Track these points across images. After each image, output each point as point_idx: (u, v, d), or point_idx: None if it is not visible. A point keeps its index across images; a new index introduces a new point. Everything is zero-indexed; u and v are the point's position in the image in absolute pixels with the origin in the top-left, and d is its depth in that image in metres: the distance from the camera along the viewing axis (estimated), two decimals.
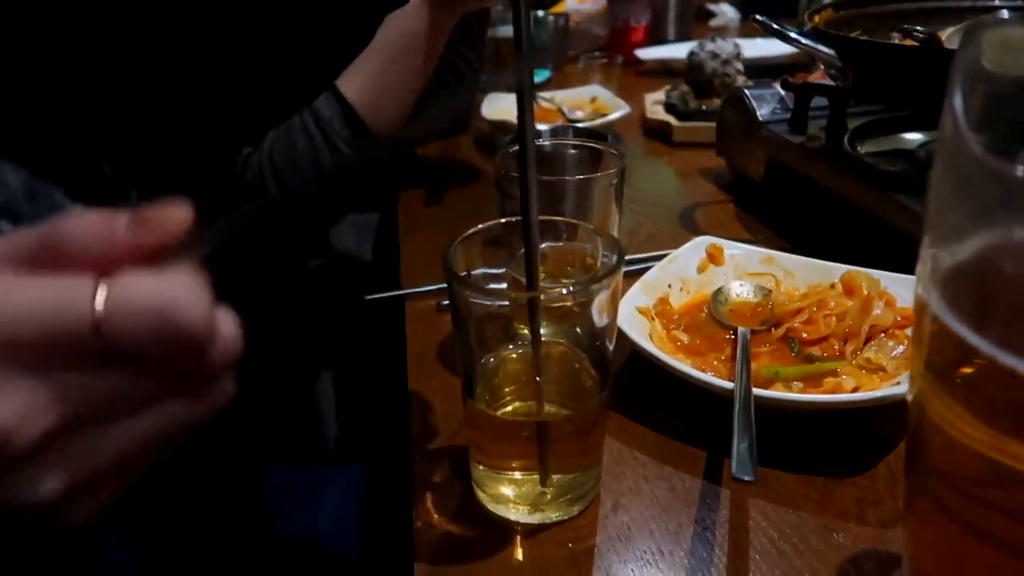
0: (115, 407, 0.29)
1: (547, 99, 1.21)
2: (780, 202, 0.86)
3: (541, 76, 1.44)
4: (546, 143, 0.60)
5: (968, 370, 0.31)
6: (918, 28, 0.65)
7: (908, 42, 0.79)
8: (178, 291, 0.28)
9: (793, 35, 0.72)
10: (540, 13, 1.47)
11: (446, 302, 0.69)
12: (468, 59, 1.07)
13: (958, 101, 0.27)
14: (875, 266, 0.61)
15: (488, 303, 0.42)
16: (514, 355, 0.46)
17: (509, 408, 0.46)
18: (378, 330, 0.93)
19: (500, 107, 1.15)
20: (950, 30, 0.84)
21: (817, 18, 0.82)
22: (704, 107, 1.14)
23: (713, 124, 0.98)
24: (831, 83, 0.80)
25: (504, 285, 0.50)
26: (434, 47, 0.84)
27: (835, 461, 0.49)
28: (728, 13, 1.93)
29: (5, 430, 0.26)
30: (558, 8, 1.74)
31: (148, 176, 1.01)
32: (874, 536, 0.44)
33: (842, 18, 0.86)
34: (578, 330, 0.44)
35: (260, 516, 0.75)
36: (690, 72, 1.18)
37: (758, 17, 0.74)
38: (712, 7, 1.96)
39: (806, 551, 0.43)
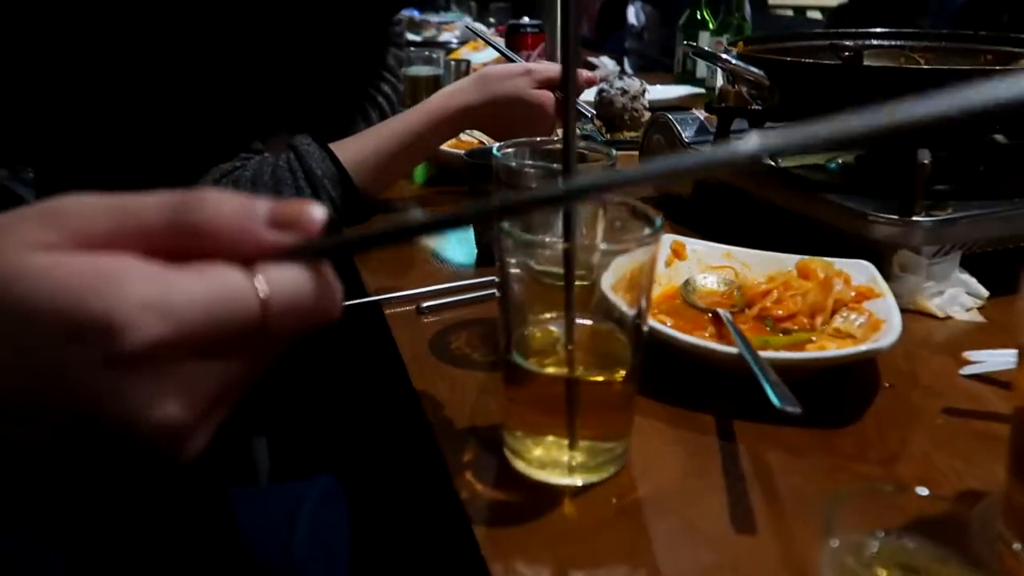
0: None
1: (467, 132, 1.25)
2: (707, 215, 0.93)
3: None
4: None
5: None
6: (847, 43, 0.74)
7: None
8: (326, 281, 0.30)
9: (726, 57, 0.80)
10: (442, 61, 1.52)
11: (428, 304, 0.71)
12: (388, 96, 1.13)
13: None
14: None
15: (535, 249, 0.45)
16: (551, 326, 0.48)
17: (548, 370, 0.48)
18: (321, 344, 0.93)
19: None
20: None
21: (735, 49, 0.92)
22: (613, 138, 1.22)
23: (626, 153, 1.05)
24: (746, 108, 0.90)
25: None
26: (432, 149, 0.96)
27: (825, 416, 0.54)
28: (609, 66, 2.07)
29: (176, 422, 0.28)
30: (455, 55, 1.82)
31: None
32: (870, 473, 0.49)
33: (751, 51, 0.96)
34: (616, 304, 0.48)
35: (229, 548, 0.71)
36: (600, 108, 1.26)
37: (692, 44, 0.82)
38: (594, 60, 2.09)
39: (829, 489, 0.47)
